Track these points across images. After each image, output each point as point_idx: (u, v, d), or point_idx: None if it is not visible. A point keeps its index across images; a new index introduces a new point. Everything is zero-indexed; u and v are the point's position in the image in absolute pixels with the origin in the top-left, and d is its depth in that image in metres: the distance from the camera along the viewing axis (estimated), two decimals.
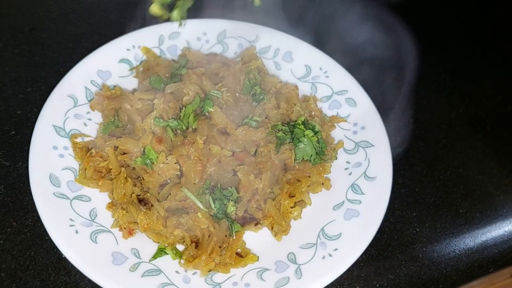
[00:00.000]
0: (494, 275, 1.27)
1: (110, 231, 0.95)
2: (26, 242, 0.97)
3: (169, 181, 0.99)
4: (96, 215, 0.97)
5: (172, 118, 1.02)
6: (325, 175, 1.05)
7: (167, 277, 0.91)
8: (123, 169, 0.98)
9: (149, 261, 0.93)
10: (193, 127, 1.02)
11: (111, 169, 0.99)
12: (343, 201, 1.04)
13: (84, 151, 1.03)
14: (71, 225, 0.93)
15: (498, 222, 1.12)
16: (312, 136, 1.01)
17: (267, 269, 0.94)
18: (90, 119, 1.10)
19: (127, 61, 1.20)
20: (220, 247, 0.94)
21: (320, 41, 1.29)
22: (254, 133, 1.02)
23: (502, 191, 1.17)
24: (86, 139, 1.07)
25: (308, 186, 1.02)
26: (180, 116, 1.02)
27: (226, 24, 1.28)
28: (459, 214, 1.12)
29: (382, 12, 1.46)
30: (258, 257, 0.95)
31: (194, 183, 0.97)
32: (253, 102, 1.09)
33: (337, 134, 1.15)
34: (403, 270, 1.02)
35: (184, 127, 1.02)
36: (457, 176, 1.19)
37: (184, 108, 1.02)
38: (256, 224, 0.98)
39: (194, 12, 1.31)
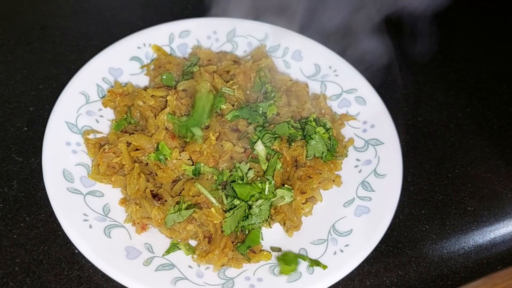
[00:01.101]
0: (497, 275, 1.28)
1: (123, 226, 0.96)
2: (39, 237, 0.98)
3: (181, 177, 1.00)
4: (109, 210, 0.98)
5: (184, 115, 1.03)
6: (336, 172, 1.06)
7: (180, 271, 0.91)
8: (136, 164, 0.98)
9: (162, 256, 0.94)
10: (206, 124, 1.03)
11: (124, 165, 1.00)
12: (354, 198, 1.05)
13: (97, 147, 1.04)
14: (85, 220, 0.93)
15: (506, 219, 1.13)
16: (324, 133, 1.02)
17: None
18: (102, 116, 1.11)
19: (138, 59, 1.20)
20: (232, 242, 0.95)
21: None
22: None
23: (509, 189, 1.18)
24: (99, 135, 1.08)
25: (319, 182, 1.03)
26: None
27: (236, 22, 1.28)
28: (467, 211, 1.13)
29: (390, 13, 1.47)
30: (271, 254, 0.96)
31: (207, 179, 0.98)
32: (264, 99, 1.10)
33: (347, 132, 1.16)
34: (413, 267, 1.03)
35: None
36: (465, 174, 1.20)
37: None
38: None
39: (204, 11, 1.34)
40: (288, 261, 0.94)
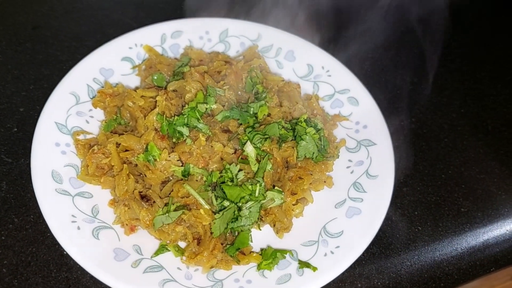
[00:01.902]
0: (495, 276, 1.27)
1: (112, 228, 0.95)
2: (27, 239, 0.97)
3: (171, 178, 0.99)
4: (98, 211, 0.97)
5: (175, 116, 1.02)
6: (327, 173, 1.05)
7: (169, 273, 0.91)
8: (125, 165, 0.97)
9: (151, 258, 0.93)
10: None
11: (113, 166, 0.99)
12: (345, 199, 1.04)
13: (86, 148, 1.03)
14: (73, 221, 0.93)
15: (499, 221, 1.12)
16: (314, 134, 1.01)
17: None
18: (92, 117, 1.10)
19: (130, 59, 1.20)
20: (222, 244, 0.94)
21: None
22: None
23: (503, 190, 1.17)
24: (88, 136, 1.07)
25: (310, 183, 1.02)
26: (182, 113, 1.01)
27: (228, 23, 1.28)
28: (460, 213, 1.12)
29: (383, 11, 1.47)
30: (261, 256, 0.95)
31: (197, 180, 0.97)
32: (255, 100, 1.09)
33: (339, 132, 1.15)
34: (405, 269, 1.02)
35: None
36: (459, 175, 1.19)
37: (186, 105, 1.02)
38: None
39: (196, 11, 1.34)
40: (266, 255, 0.93)
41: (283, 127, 1.03)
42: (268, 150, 1.01)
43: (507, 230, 1.10)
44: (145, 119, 1.02)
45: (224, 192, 0.94)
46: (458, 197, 1.15)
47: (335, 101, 1.20)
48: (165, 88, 1.08)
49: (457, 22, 1.58)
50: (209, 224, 0.93)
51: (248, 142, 0.99)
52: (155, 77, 1.13)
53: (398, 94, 1.32)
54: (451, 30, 1.54)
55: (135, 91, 1.07)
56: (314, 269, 0.92)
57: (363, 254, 0.97)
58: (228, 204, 0.94)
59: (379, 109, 1.16)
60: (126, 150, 1.01)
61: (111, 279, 0.87)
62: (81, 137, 1.06)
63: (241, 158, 1.00)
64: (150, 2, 1.45)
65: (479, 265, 1.06)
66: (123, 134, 1.03)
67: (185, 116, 0.99)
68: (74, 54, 1.27)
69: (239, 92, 1.12)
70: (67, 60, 1.26)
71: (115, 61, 1.18)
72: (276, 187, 0.98)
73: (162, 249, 0.94)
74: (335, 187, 1.06)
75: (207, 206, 0.94)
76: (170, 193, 0.96)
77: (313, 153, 1.01)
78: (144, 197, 0.95)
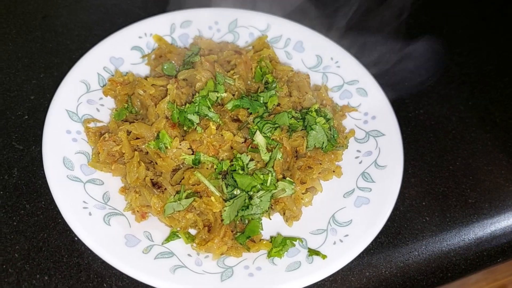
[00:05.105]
0: (499, 270, 1.28)
1: (123, 214, 0.96)
2: (39, 224, 0.98)
3: (181, 166, 1.00)
4: (109, 198, 0.98)
5: (186, 104, 1.03)
6: (336, 163, 1.06)
7: (179, 259, 0.91)
8: (136, 153, 0.98)
9: (162, 244, 0.94)
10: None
11: (124, 153, 1.00)
12: (354, 189, 1.05)
13: (97, 135, 1.04)
14: (84, 207, 0.93)
15: (507, 212, 1.13)
16: (324, 124, 1.02)
17: None
18: (102, 105, 1.11)
19: (139, 49, 1.20)
20: (232, 231, 0.95)
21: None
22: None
23: (511, 182, 1.17)
24: (99, 124, 1.07)
25: (319, 173, 1.03)
26: (193, 102, 1.02)
27: (238, 13, 1.28)
28: (468, 204, 1.13)
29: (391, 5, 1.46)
30: (272, 243, 0.96)
31: (207, 168, 0.97)
32: (265, 90, 1.10)
33: (348, 123, 1.16)
34: (413, 258, 1.03)
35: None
36: (466, 166, 1.19)
37: (197, 94, 1.03)
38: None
39: (205, 1, 1.34)
40: (276, 243, 0.94)
41: (292, 116, 1.04)
42: (278, 139, 1.01)
43: None
44: (156, 107, 1.02)
45: (235, 181, 0.94)
46: (465, 188, 1.15)
47: (344, 92, 1.20)
48: (176, 77, 1.08)
49: (463, 15, 1.58)
50: (220, 211, 0.94)
51: (258, 132, 0.99)
52: (166, 66, 1.13)
53: (406, 85, 1.33)
54: (459, 24, 1.54)
55: (146, 79, 1.07)
56: (324, 257, 0.93)
57: (371, 243, 0.98)
58: (239, 192, 0.94)
59: (388, 100, 1.16)
60: (137, 138, 1.01)
61: (122, 265, 0.88)
62: (91, 125, 1.06)
63: (251, 147, 1.00)
64: None
65: (486, 255, 1.07)
66: (133, 122, 1.03)
67: (196, 104, 1.00)
68: (84, 43, 1.27)
69: (249, 82, 1.12)
70: (77, 49, 1.26)
71: (125, 50, 1.18)
72: (287, 178, 0.99)
73: (172, 235, 0.95)
74: (344, 177, 1.06)
75: (217, 194, 0.94)
76: (180, 181, 0.97)
77: (323, 142, 1.02)
78: (155, 184, 0.96)
